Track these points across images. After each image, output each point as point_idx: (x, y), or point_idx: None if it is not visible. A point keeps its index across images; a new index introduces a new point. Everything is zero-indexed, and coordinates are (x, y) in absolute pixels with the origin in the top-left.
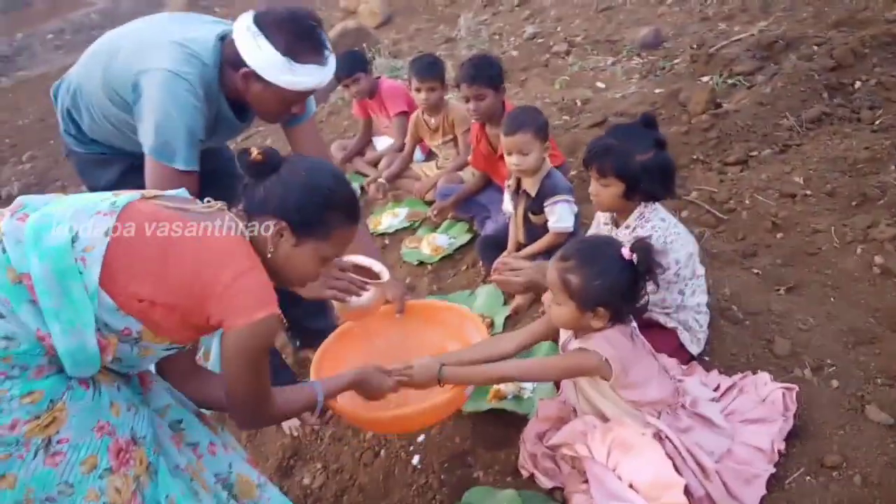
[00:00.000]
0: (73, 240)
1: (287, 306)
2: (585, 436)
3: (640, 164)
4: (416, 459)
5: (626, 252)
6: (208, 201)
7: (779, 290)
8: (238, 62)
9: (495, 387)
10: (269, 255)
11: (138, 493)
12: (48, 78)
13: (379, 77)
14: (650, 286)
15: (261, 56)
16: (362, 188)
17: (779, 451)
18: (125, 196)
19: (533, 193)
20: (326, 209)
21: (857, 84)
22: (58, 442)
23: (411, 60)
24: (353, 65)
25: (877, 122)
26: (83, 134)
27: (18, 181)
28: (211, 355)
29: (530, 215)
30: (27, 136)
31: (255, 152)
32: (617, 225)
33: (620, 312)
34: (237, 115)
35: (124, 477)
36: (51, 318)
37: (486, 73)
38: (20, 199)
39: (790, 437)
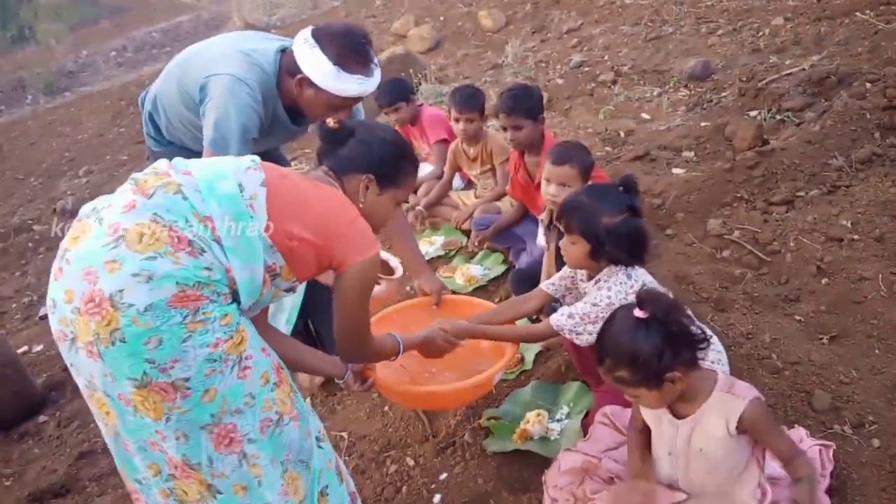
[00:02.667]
0: (241, 189)
1: (310, 316)
2: None
3: (605, 226)
4: (437, 498)
5: (637, 312)
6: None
7: (821, 338)
8: (294, 70)
9: (521, 427)
10: (361, 205)
11: (295, 402)
12: (109, 94)
13: (421, 104)
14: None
15: (314, 64)
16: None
17: None
18: (255, 157)
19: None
20: (401, 160)
21: None
22: (246, 358)
23: (451, 91)
24: (395, 94)
25: None
26: (161, 135)
27: (73, 195)
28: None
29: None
30: (85, 150)
31: (331, 121)
32: (589, 278)
33: (687, 364)
34: (292, 119)
35: (286, 390)
36: (231, 254)
37: (524, 105)
38: (168, 161)
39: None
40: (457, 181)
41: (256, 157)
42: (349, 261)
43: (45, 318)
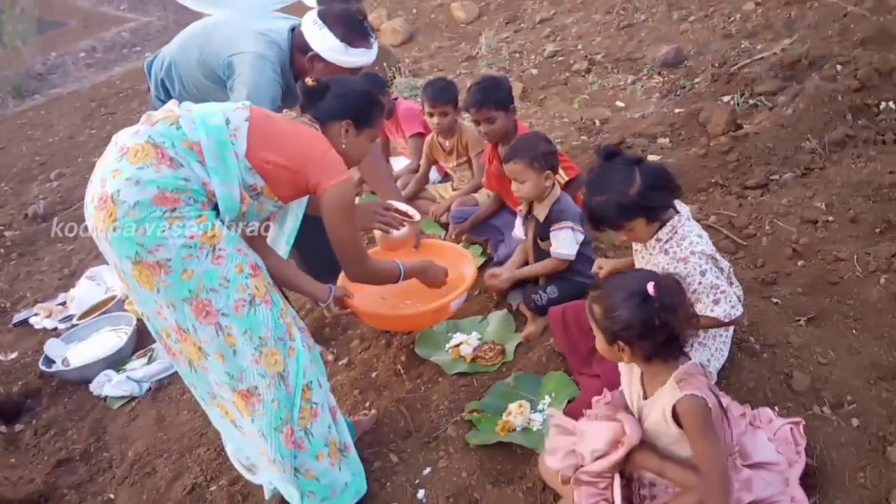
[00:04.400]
0: (227, 122)
1: (308, 264)
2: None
3: (636, 196)
4: (421, 493)
5: (650, 287)
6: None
7: (799, 320)
8: (305, 48)
9: (504, 418)
10: (343, 146)
11: (270, 292)
12: (79, 95)
13: (396, 98)
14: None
15: (324, 42)
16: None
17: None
18: (247, 102)
19: (541, 219)
20: (373, 105)
21: (882, 105)
22: (219, 249)
23: (424, 85)
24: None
25: None
26: (171, 98)
27: (45, 199)
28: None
29: (539, 241)
30: (56, 153)
31: (310, 80)
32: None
33: (642, 349)
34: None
35: (262, 280)
36: (213, 174)
37: (493, 97)
38: (178, 104)
39: (806, 478)
40: (433, 174)
41: (247, 102)
42: (323, 184)
43: (18, 325)
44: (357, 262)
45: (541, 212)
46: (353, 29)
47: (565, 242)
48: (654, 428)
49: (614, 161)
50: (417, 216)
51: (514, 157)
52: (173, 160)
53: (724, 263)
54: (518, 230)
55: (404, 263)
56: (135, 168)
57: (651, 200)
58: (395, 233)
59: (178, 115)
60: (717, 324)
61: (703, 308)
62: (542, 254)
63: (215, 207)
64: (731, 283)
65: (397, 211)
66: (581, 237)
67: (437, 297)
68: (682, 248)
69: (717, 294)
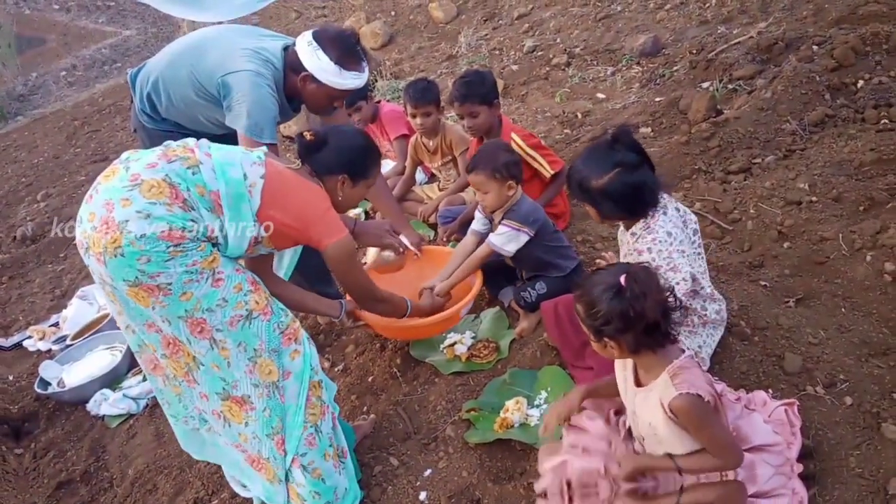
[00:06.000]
0: (245, 177)
1: (301, 271)
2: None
3: (596, 188)
4: (423, 495)
5: (622, 279)
6: (295, 162)
7: (787, 302)
8: (299, 67)
9: (502, 415)
10: (339, 198)
11: (270, 304)
12: (62, 115)
13: (379, 101)
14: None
15: (318, 64)
16: (367, 213)
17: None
18: (262, 152)
19: (497, 221)
20: (367, 158)
21: (860, 83)
22: (219, 272)
23: (405, 86)
24: (353, 94)
25: (881, 122)
26: (157, 113)
27: (33, 220)
28: (276, 263)
29: None
30: (42, 173)
31: (308, 135)
32: (627, 228)
33: (626, 342)
34: (290, 105)
35: (262, 293)
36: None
37: (476, 91)
38: (196, 141)
39: (804, 458)
40: (420, 175)
41: (262, 154)
42: (324, 241)
43: (10, 348)
44: (370, 298)
45: (498, 215)
46: (347, 52)
47: (501, 236)
48: (650, 419)
49: (613, 149)
50: (412, 248)
51: (476, 168)
52: (186, 202)
53: (698, 271)
54: (475, 224)
55: (412, 302)
56: (146, 202)
57: (599, 202)
58: (389, 257)
59: (198, 160)
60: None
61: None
62: (515, 256)
63: (214, 245)
64: (712, 297)
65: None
66: (525, 238)
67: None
68: (643, 242)
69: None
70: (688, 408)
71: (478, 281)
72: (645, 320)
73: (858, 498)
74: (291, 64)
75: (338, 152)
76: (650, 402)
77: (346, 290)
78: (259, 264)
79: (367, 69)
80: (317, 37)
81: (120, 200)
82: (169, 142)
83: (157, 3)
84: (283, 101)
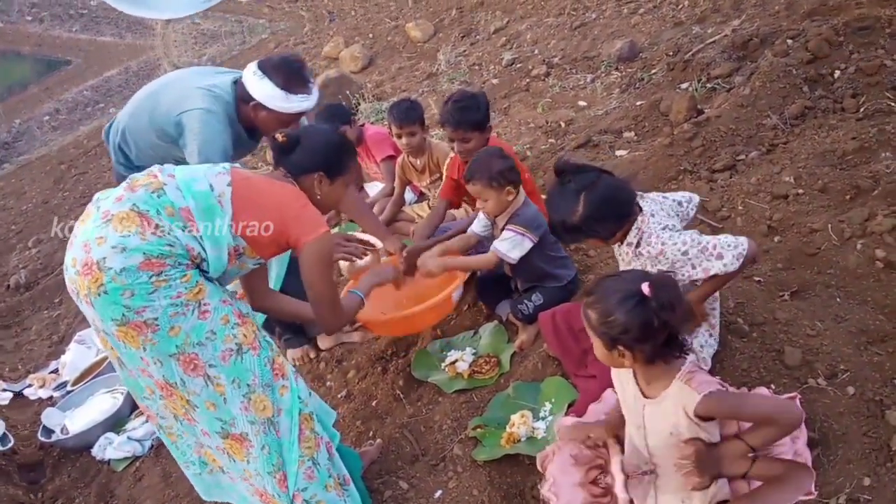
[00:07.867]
0: (211, 188)
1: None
2: None
3: (580, 222)
4: None
5: (646, 287)
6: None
7: (783, 295)
8: (248, 97)
9: (508, 430)
10: (318, 197)
11: (258, 338)
12: (48, 159)
13: (363, 125)
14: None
15: (265, 91)
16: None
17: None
18: (226, 164)
19: (501, 226)
20: (342, 154)
21: (837, 73)
22: (205, 304)
23: (389, 107)
24: (335, 120)
25: (861, 110)
26: (130, 162)
27: (25, 268)
28: (272, 276)
29: None
30: (31, 220)
31: (279, 136)
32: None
33: (643, 352)
34: (249, 135)
35: (250, 326)
36: (206, 237)
37: (471, 119)
38: (160, 167)
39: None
40: (409, 195)
41: (227, 165)
42: (302, 239)
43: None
44: (334, 316)
45: (502, 220)
46: (291, 76)
47: (506, 242)
48: (669, 428)
49: (565, 185)
50: (380, 244)
51: (472, 178)
52: (158, 227)
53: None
54: (476, 225)
55: (358, 288)
56: (119, 236)
57: (593, 229)
58: (359, 262)
59: (161, 183)
60: (728, 277)
61: (711, 267)
62: (514, 266)
63: (198, 266)
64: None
65: (359, 241)
66: (529, 244)
67: (435, 296)
68: (653, 246)
69: (712, 251)
70: (717, 404)
71: (461, 274)
72: (669, 331)
73: (862, 455)
74: (241, 95)
75: (311, 151)
76: (664, 412)
77: (310, 294)
78: (254, 280)
79: (314, 90)
80: (261, 66)
81: (95, 240)
82: (134, 174)
83: (112, 1)
84: (240, 133)
